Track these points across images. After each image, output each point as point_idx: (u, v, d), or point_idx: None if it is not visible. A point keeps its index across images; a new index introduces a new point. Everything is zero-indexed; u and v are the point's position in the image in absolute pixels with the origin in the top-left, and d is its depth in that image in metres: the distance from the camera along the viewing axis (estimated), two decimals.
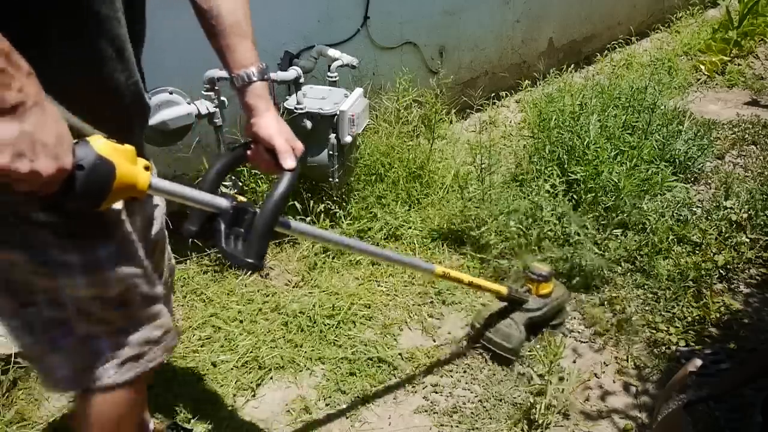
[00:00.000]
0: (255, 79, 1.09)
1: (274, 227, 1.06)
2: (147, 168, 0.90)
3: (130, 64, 1.00)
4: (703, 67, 4.21)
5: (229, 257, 1.03)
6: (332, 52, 2.50)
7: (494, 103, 3.72)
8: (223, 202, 1.03)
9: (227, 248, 1.03)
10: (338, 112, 2.25)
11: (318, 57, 2.57)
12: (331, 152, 2.31)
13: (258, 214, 1.05)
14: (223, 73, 2.17)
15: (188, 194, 0.99)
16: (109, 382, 1.08)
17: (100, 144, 0.84)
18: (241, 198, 1.06)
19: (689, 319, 2.03)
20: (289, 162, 1.09)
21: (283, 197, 1.06)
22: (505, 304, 1.92)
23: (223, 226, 1.03)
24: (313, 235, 1.24)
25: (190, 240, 2.32)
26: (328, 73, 2.50)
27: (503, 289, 1.83)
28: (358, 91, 2.41)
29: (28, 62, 0.75)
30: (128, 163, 0.87)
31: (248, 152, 1.15)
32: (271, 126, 1.11)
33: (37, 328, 1.03)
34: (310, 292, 2.18)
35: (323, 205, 2.44)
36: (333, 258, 2.36)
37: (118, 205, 1.03)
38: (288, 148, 1.10)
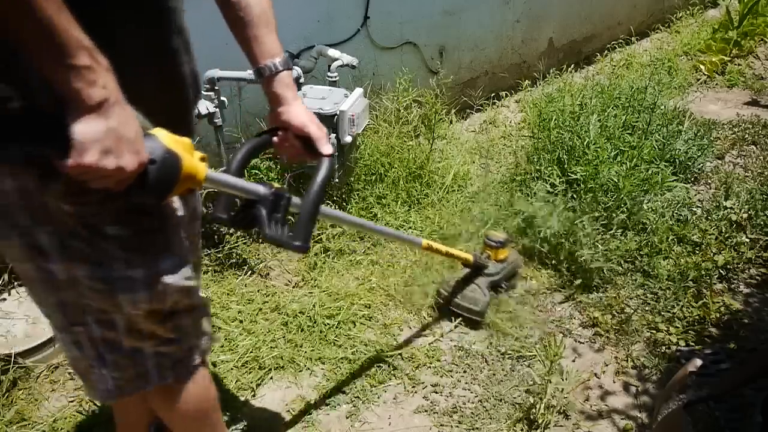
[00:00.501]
0: (281, 68, 1.12)
1: (318, 211, 1.11)
2: (202, 159, 0.93)
3: (192, 56, 1.03)
4: (703, 67, 4.21)
5: (275, 242, 1.06)
6: (332, 52, 2.50)
7: (494, 103, 3.72)
8: (262, 189, 1.06)
9: (272, 233, 1.05)
10: (338, 112, 2.25)
11: (318, 57, 2.57)
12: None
13: (303, 198, 1.09)
14: (224, 73, 2.18)
15: (234, 183, 1.02)
16: (151, 389, 1.12)
17: (165, 137, 0.86)
18: (275, 184, 1.09)
19: (689, 319, 2.03)
20: (326, 148, 1.14)
21: (325, 182, 1.11)
22: (467, 271, 2.08)
23: (264, 212, 1.06)
24: (335, 218, 1.32)
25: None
26: (328, 73, 2.50)
27: (470, 257, 2.00)
28: (358, 91, 2.41)
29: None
30: (189, 155, 0.89)
31: (274, 139, 1.18)
32: (302, 114, 1.14)
33: (84, 344, 1.04)
34: (310, 292, 2.18)
35: (323, 205, 2.44)
36: (333, 258, 2.36)
37: (180, 211, 1.06)
38: (323, 134, 1.15)
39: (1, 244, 0.96)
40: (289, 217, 1.12)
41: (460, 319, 2.06)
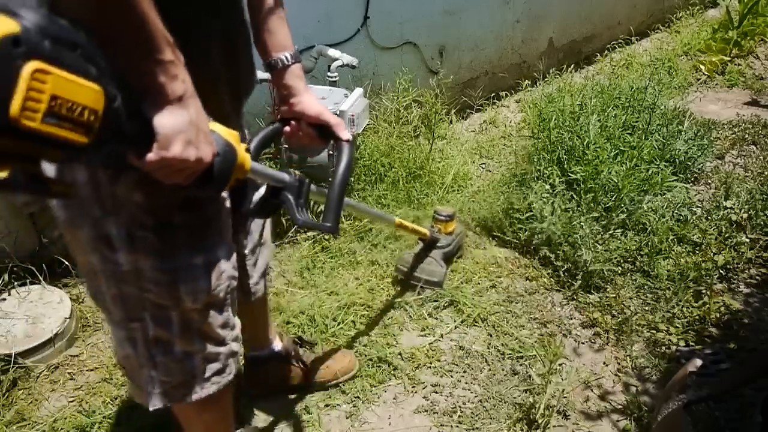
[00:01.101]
0: (292, 61, 1.15)
1: (344, 194, 1.16)
2: (247, 150, 0.96)
3: (251, 50, 1.09)
4: (703, 67, 4.21)
5: (307, 226, 1.11)
6: (332, 52, 2.50)
7: (494, 103, 3.72)
8: (287, 177, 1.10)
9: (304, 218, 1.10)
10: (338, 112, 2.25)
11: (318, 57, 2.57)
12: (331, 152, 2.31)
13: (331, 183, 1.14)
14: None
15: (267, 173, 1.06)
16: (195, 398, 1.13)
17: (223, 130, 0.89)
18: (296, 172, 1.13)
19: (689, 319, 2.03)
20: (345, 134, 1.18)
21: (350, 166, 1.16)
22: (421, 246, 2.22)
23: (292, 199, 1.09)
24: (356, 208, 1.41)
25: None
26: (328, 73, 2.50)
27: (427, 232, 2.12)
28: (358, 91, 2.41)
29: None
30: (239, 146, 0.92)
31: (286, 129, 1.21)
32: (316, 104, 1.18)
33: (138, 342, 1.06)
34: (310, 292, 2.18)
35: (323, 206, 2.44)
36: (333, 258, 2.36)
37: (227, 200, 1.09)
38: (340, 121, 1.18)
39: (71, 234, 0.99)
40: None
41: (421, 289, 2.17)
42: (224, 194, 1.07)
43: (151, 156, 0.76)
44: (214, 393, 1.16)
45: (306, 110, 1.17)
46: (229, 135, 0.90)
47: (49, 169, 0.91)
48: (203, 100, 0.87)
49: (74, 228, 0.97)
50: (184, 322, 1.05)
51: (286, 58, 1.14)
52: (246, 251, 1.34)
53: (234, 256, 1.10)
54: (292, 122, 1.20)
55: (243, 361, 1.74)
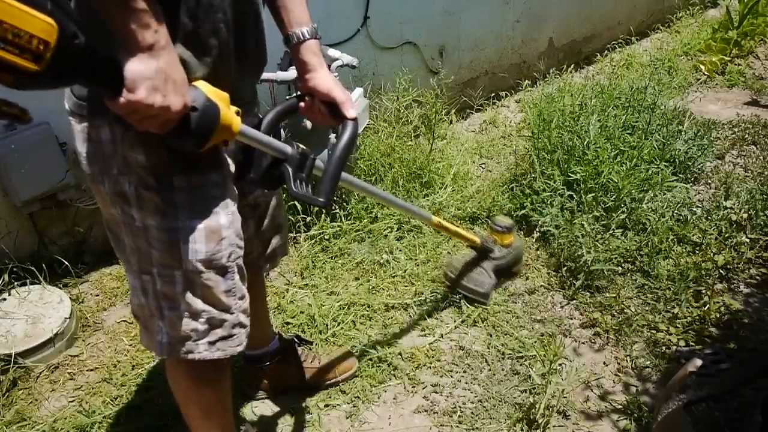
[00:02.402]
0: (309, 36, 1.17)
1: (341, 171, 1.17)
2: (238, 113, 1.00)
3: (261, 28, 1.13)
4: (703, 67, 4.21)
5: (299, 198, 1.13)
6: (332, 52, 2.50)
7: (494, 103, 3.72)
8: (290, 149, 1.13)
9: (297, 190, 1.12)
10: None
11: None
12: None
13: (329, 158, 1.16)
14: None
15: (264, 140, 1.09)
16: (197, 357, 1.16)
17: (207, 88, 0.93)
18: (301, 146, 1.16)
19: (689, 319, 2.03)
20: (350, 112, 1.20)
21: (349, 144, 1.17)
22: (474, 254, 2.13)
23: (291, 171, 1.12)
24: (355, 185, 1.40)
25: None
26: None
27: (478, 240, 2.05)
28: (358, 91, 2.41)
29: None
30: (226, 107, 0.96)
31: (301, 105, 1.24)
32: (328, 80, 1.20)
33: (150, 293, 1.13)
34: (310, 292, 2.18)
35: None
36: (333, 258, 2.36)
37: (232, 167, 1.13)
38: (348, 98, 1.21)
39: (95, 188, 1.08)
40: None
41: (466, 298, 2.12)
42: (229, 162, 1.12)
43: (119, 98, 0.82)
44: (217, 363, 1.18)
45: (318, 86, 1.19)
46: (213, 93, 0.93)
47: (105, 134, 1.00)
48: (213, 72, 0.94)
49: (97, 183, 1.06)
50: (188, 282, 1.09)
51: (303, 33, 1.17)
52: (251, 223, 1.36)
53: (238, 225, 1.13)
54: (307, 98, 1.23)
55: (241, 360, 1.74)
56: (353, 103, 1.21)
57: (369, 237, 2.46)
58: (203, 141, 0.94)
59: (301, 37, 1.17)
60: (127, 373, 1.86)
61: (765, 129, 3.37)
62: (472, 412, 1.74)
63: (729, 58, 4.32)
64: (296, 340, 1.76)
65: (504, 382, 1.84)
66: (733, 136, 3.32)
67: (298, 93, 1.24)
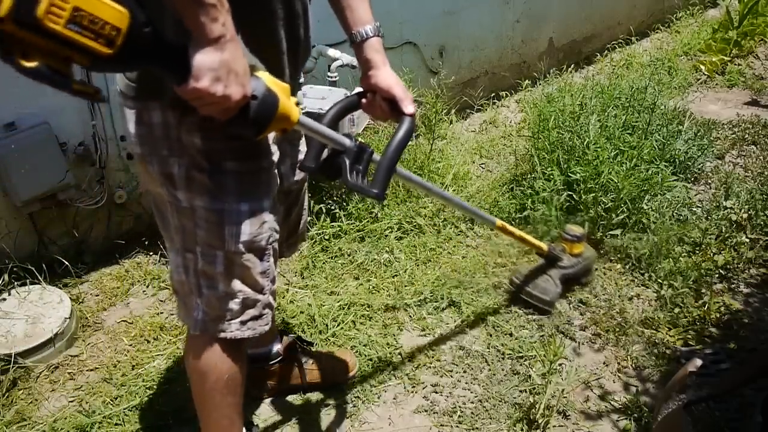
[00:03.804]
0: (372, 35, 1.22)
1: (396, 165, 1.21)
2: (297, 104, 1.05)
3: (308, 22, 1.19)
4: (703, 67, 4.21)
5: (354, 188, 1.18)
6: (332, 52, 2.50)
7: (494, 103, 3.72)
8: (348, 141, 1.18)
9: (352, 181, 1.17)
10: None
11: (318, 57, 2.57)
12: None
13: (383, 152, 1.20)
14: None
15: (323, 131, 1.15)
16: (229, 335, 1.22)
17: (267, 78, 0.99)
18: (359, 139, 1.21)
19: (689, 319, 2.03)
20: (409, 107, 1.23)
21: (405, 138, 1.21)
22: (542, 262, 2.12)
23: (347, 162, 1.17)
24: (413, 181, 1.42)
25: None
26: (328, 73, 2.50)
27: (545, 247, 2.04)
28: (358, 91, 2.41)
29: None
30: (286, 98, 1.02)
31: (363, 101, 1.29)
32: (390, 77, 1.24)
33: (191, 271, 1.19)
34: (310, 293, 2.18)
35: (323, 205, 2.44)
36: (333, 258, 2.36)
37: (275, 156, 1.19)
38: (407, 95, 1.24)
39: (144, 168, 1.14)
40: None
41: (531, 307, 2.11)
42: (274, 151, 1.18)
43: (185, 84, 0.88)
44: (243, 342, 1.25)
45: (379, 83, 1.23)
46: (274, 84, 1.00)
47: (156, 117, 1.06)
48: (268, 66, 1.01)
49: (146, 163, 1.12)
50: (228, 263, 1.16)
51: (366, 31, 1.22)
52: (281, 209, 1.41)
53: (276, 210, 1.21)
54: (369, 95, 1.28)
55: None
56: (412, 100, 1.25)
57: (369, 237, 2.46)
58: (261, 129, 1.00)
59: (365, 35, 1.22)
60: (127, 373, 1.86)
61: (765, 129, 3.37)
62: (472, 412, 1.74)
63: (729, 58, 4.32)
64: (297, 341, 1.76)
65: (504, 382, 1.84)
66: (733, 136, 3.32)
67: (360, 90, 1.29)
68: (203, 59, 0.87)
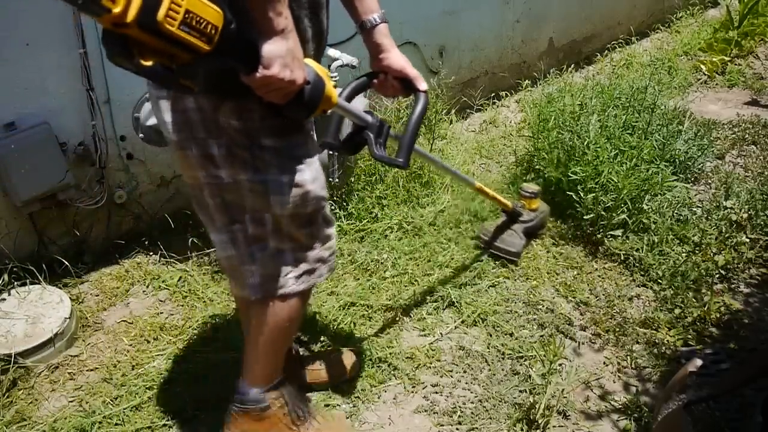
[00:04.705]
0: (379, 21, 1.35)
1: (417, 136, 1.35)
2: (335, 86, 1.17)
3: (329, 15, 1.26)
4: (703, 67, 4.21)
5: (382, 160, 1.31)
6: (332, 52, 2.49)
7: (494, 103, 3.72)
8: (371, 118, 1.32)
9: (380, 153, 1.31)
10: None
11: None
12: (331, 152, 2.31)
13: (405, 126, 1.34)
14: None
15: (353, 111, 1.29)
16: (287, 291, 1.32)
17: (314, 64, 1.11)
18: (378, 115, 1.33)
19: (689, 319, 2.03)
20: (422, 85, 1.38)
21: (422, 112, 1.35)
22: (504, 218, 2.35)
23: (372, 137, 1.31)
24: (422, 155, 1.59)
25: (190, 241, 2.32)
26: (328, 74, 2.50)
27: (510, 203, 2.26)
28: (368, 72, 2.41)
29: None
30: (328, 81, 1.13)
31: (374, 81, 1.41)
32: (401, 58, 1.38)
33: (239, 241, 1.28)
34: None
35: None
36: None
37: (312, 131, 1.30)
38: (418, 74, 1.38)
39: (181, 154, 1.22)
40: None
41: (498, 259, 2.30)
42: (311, 126, 1.29)
43: (256, 73, 0.98)
44: (301, 295, 1.35)
45: (392, 64, 1.37)
46: (320, 69, 1.11)
47: (189, 103, 1.14)
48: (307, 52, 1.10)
49: (184, 149, 1.20)
50: (276, 223, 1.26)
51: (375, 19, 1.34)
52: None
53: (323, 179, 1.30)
54: (380, 75, 1.40)
55: None
56: (422, 78, 1.37)
57: (369, 237, 2.46)
58: (312, 110, 1.11)
59: (374, 22, 1.34)
60: (127, 373, 1.86)
61: (765, 129, 3.37)
62: (472, 412, 1.74)
63: (729, 58, 4.32)
64: (297, 343, 1.76)
65: (504, 382, 1.84)
66: (733, 136, 3.32)
67: (371, 71, 1.41)
68: (272, 49, 0.97)
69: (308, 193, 1.25)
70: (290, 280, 1.31)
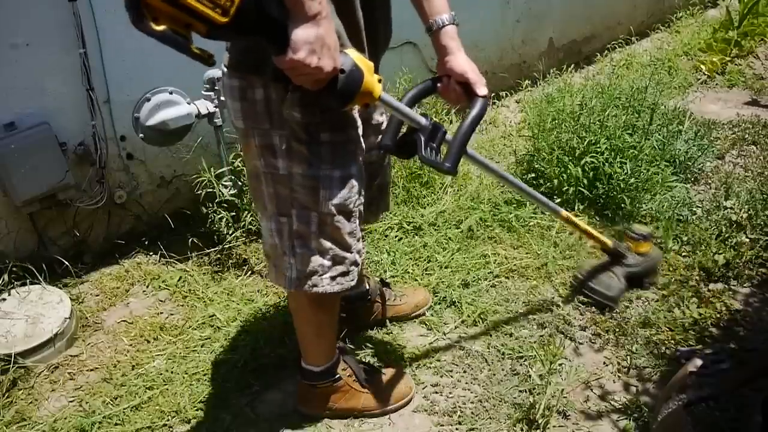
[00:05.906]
0: (447, 23, 1.35)
1: (468, 142, 1.30)
2: (380, 81, 1.15)
3: (390, 8, 1.32)
4: (703, 67, 4.21)
5: (428, 162, 1.29)
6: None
7: (494, 103, 3.72)
8: (423, 120, 1.29)
9: (426, 156, 1.28)
10: None
11: None
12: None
13: (457, 130, 1.30)
14: None
15: (402, 109, 1.26)
16: (321, 290, 1.35)
17: (355, 55, 1.09)
18: (433, 118, 1.31)
19: (689, 319, 2.03)
20: (482, 89, 1.34)
21: (478, 118, 1.31)
22: (605, 259, 2.12)
23: (423, 139, 1.28)
24: (477, 161, 1.48)
25: (190, 241, 2.32)
26: None
27: (609, 242, 2.04)
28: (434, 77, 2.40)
29: None
30: (370, 75, 1.11)
31: (438, 85, 1.39)
32: (464, 62, 1.35)
33: (284, 234, 1.32)
34: None
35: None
36: None
37: (360, 130, 1.30)
38: (480, 79, 1.35)
39: (245, 141, 1.27)
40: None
41: (593, 302, 2.12)
42: (359, 124, 1.29)
43: (283, 55, 0.98)
44: (334, 294, 1.38)
45: (454, 68, 1.34)
46: (361, 60, 1.09)
47: (258, 94, 1.19)
48: (354, 45, 1.12)
49: (247, 137, 1.25)
50: (321, 223, 1.29)
51: (442, 20, 1.34)
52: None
53: (362, 177, 1.32)
54: (444, 79, 1.37)
55: None
56: (485, 83, 1.34)
57: (369, 237, 2.46)
58: (347, 101, 1.09)
59: (441, 24, 1.34)
60: (127, 373, 1.86)
61: (765, 129, 3.36)
62: (472, 412, 1.74)
63: (729, 58, 4.32)
64: (380, 282, 1.99)
65: (504, 382, 1.84)
66: (733, 136, 3.32)
67: (436, 75, 1.38)
68: (301, 33, 0.97)
69: (353, 189, 1.29)
70: (325, 279, 1.35)
